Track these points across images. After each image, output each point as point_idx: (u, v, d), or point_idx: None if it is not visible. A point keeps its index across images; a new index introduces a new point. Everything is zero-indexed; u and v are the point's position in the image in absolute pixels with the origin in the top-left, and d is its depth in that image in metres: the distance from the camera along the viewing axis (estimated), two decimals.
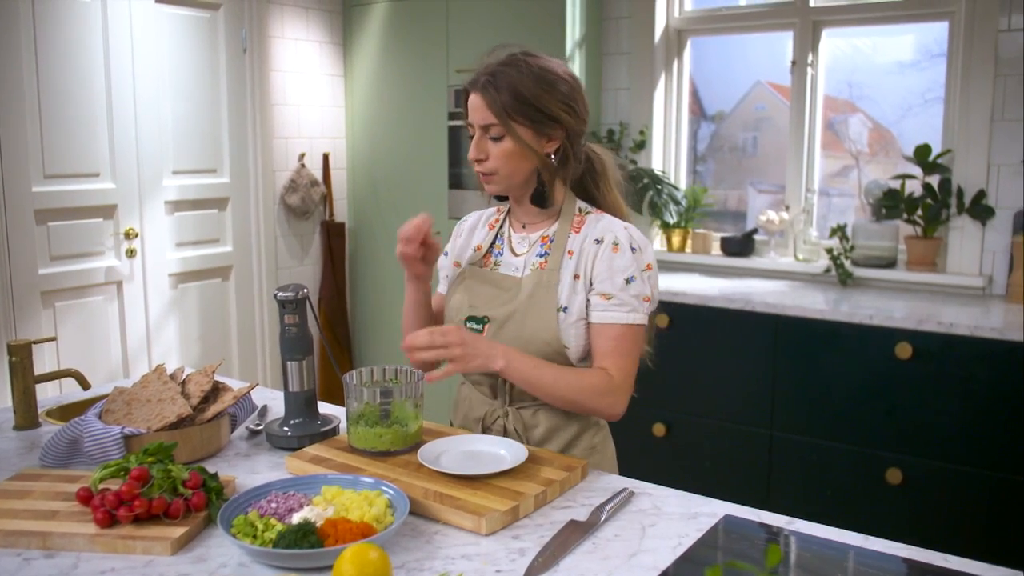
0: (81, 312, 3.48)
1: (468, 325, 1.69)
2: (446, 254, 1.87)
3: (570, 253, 1.66)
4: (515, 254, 1.73)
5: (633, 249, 1.62)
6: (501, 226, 1.80)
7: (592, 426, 1.72)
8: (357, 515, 1.25)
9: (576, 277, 1.64)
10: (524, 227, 1.75)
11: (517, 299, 1.65)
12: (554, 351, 1.62)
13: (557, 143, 1.65)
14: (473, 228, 1.85)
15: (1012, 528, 2.67)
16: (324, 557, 1.15)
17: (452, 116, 4.06)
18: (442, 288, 1.88)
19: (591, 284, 1.63)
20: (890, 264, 3.40)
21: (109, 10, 3.45)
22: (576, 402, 1.60)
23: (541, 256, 1.69)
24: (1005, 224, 3.16)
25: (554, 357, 1.62)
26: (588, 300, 1.63)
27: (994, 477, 2.68)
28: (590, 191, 1.76)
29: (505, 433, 1.68)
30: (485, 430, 1.71)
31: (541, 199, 1.69)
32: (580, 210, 1.71)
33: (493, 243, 1.78)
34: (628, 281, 1.61)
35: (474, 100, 1.62)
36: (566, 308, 1.63)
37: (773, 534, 1.31)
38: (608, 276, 1.61)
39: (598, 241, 1.64)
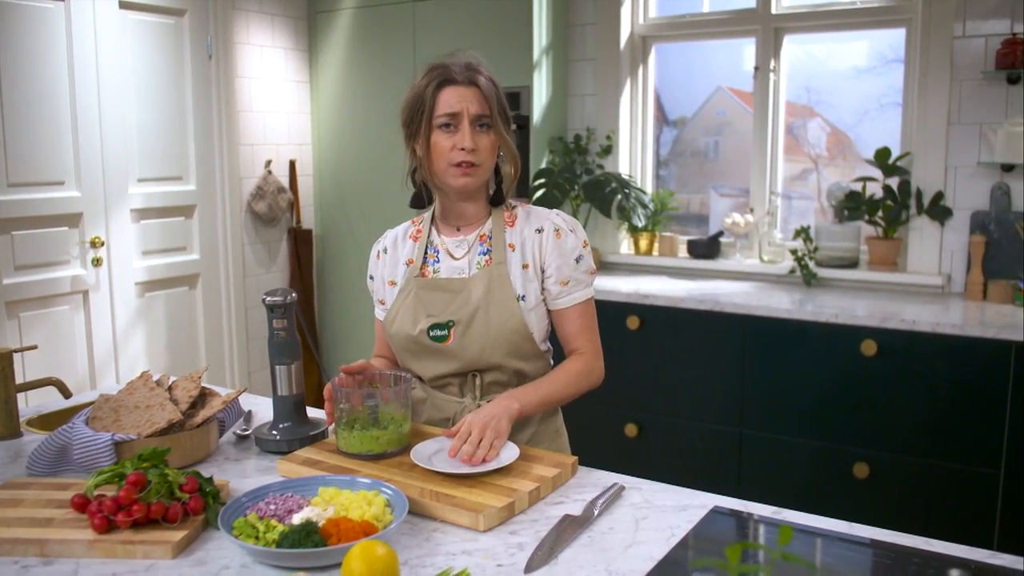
0: (47, 322, 3.43)
1: (432, 334, 1.70)
2: (371, 278, 1.88)
3: (511, 246, 1.73)
4: (454, 258, 1.76)
5: (572, 230, 1.75)
6: (428, 235, 1.80)
7: (553, 412, 1.83)
8: (357, 514, 1.26)
9: (525, 266, 1.72)
10: (459, 230, 1.78)
11: (475, 297, 1.69)
12: (522, 338, 1.69)
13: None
14: (396, 244, 1.84)
15: (975, 518, 2.75)
16: (329, 556, 1.17)
17: None
18: (379, 312, 1.86)
19: (543, 271, 1.72)
20: (852, 264, 3.49)
21: (73, 16, 3.41)
22: (577, 394, 1.74)
23: (484, 254, 1.74)
24: (963, 224, 3.26)
25: (522, 344, 1.69)
26: (546, 289, 1.73)
27: (958, 469, 2.77)
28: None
29: None
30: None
31: (499, 196, 1.78)
32: (507, 206, 1.79)
33: (426, 253, 1.79)
34: (578, 260, 1.74)
35: (464, 91, 1.66)
36: (523, 297, 1.70)
37: (762, 523, 1.35)
38: (562, 262, 1.72)
39: (539, 231, 1.73)
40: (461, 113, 1.65)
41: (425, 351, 1.72)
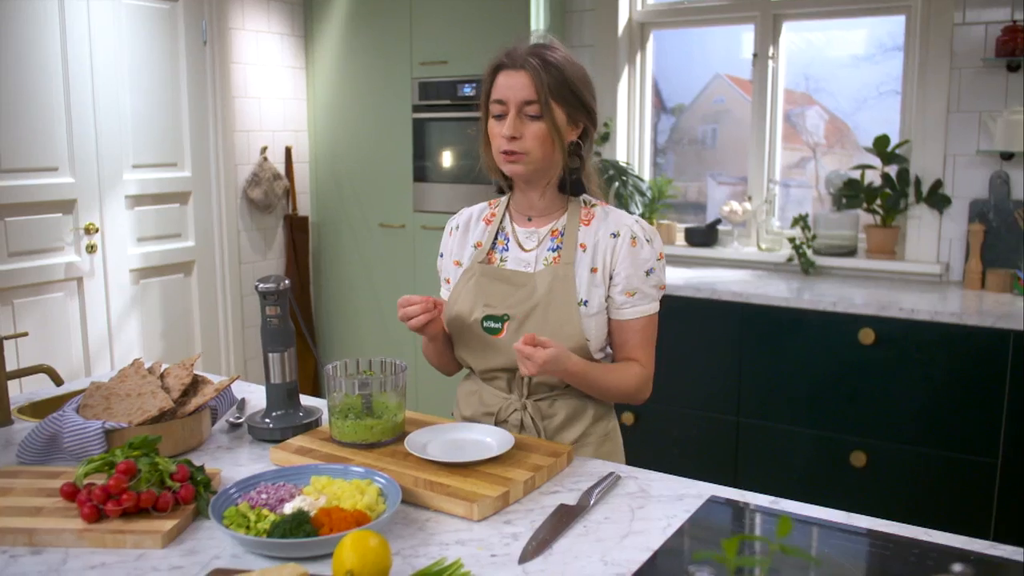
0: (41, 309, 3.41)
1: (486, 324, 1.65)
2: (442, 255, 1.83)
3: (583, 247, 1.65)
4: (523, 249, 1.70)
5: (648, 240, 1.66)
6: (501, 221, 1.76)
7: (606, 414, 1.75)
8: (350, 504, 1.25)
9: (594, 270, 1.64)
10: (530, 220, 1.72)
11: (536, 294, 1.63)
12: (577, 344, 1.61)
13: (577, 134, 1.66)
14: (468, 224, 1.79)
15: (972, 506, 2.75)
16: (320, 546, 1.15)
17: (416, 109, 4.04)
18: (444, 292, 1.82)
19: (611, 279, 1.65)
20: (850, 252, 3.47)
21: (66, 1, 3.37)
22: (614, 398, 1.70)
23: (553, 251, 1.67)
24: (961, 212, 3.25)
25: (576, 351, 1.61)
26: (611, 296, 1.65)
27: (954, 458, 2.76)
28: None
29: (522, 425, 1.68)
30: (499, 423, 1.69)
31: (578, 186, 1.70)
32: (585, 203, 1.71)
33: (495, 239, 1.74)
34: (648, 273, 1.66)
35: (514, 77, 1.59)
36: (586, 302, 1.63)
37: (759, 512, 1.34)
38: (632, 271, 1.64)
39: (614, 235, 1.65)
40: (507, 101, 1.60)
41: (477, 341, 1.67)
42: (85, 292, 3.55)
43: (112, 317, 3.67)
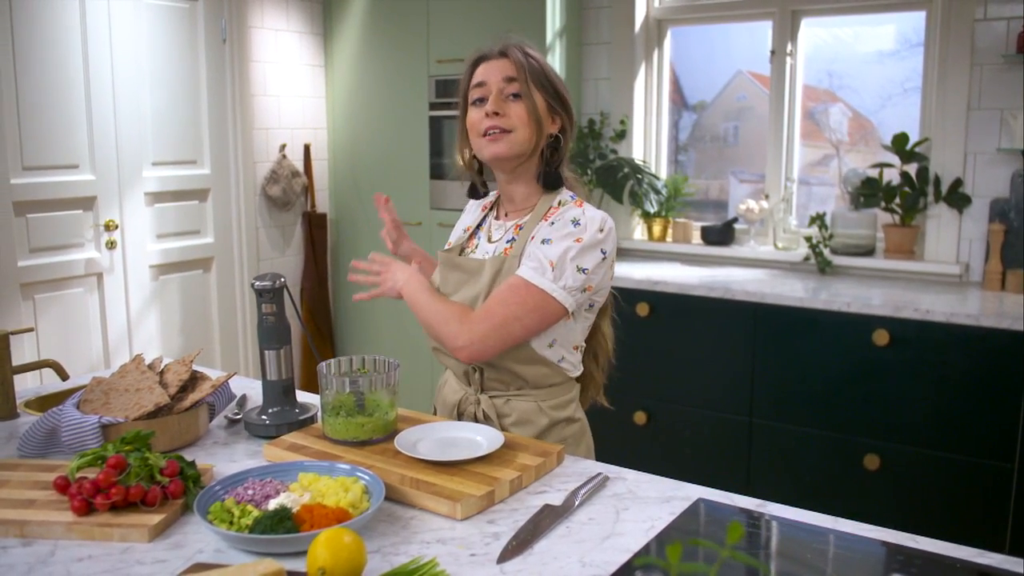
0: (61, 304, 3.46)
1: None
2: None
3: (532, 238, 1.64)
4: (490, 241, 1.74)
5: (576, 223, 1.60)
6: (490, 210, 1.81)
7: (563, 420, 1.70)
8: (333, 501, 1.26)
9: None
10: (507, 215, 1.75)
11: (480, 283, 1.65)
12: None
13: (557, 128, 1.68)
14: (472, 208, 1.87)
15: (987, 511, 2.70)
16: (299, 542, 1.16)
17: (433, 106, 4.05)
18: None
19: None
20: (868, 252, 3.43)
21: (87, 0, 3.42)
22: (430, 325, 1.64)
23: (508, 243, 1.69)
24: (981, 212, 3.19)
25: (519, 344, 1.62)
26: None
27: (969, 462, 2.72)
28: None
29: (475, 421, 1.69)
30: (460, 415, 1.73)
31: (556, 179, 1.69)
32: (560, 203, 1.69)
33: (480, 225, 1.79)
34: (544, 242, 1.60)
35: (494, 63, 1.64)
36: None
37: (748, 517, 1.32)
38: (537, 237, 1.62)
39: (551, 224, 1.64)
40: (488, 82, 1.63)
41: None
42: (105, 288, 3.61)
43: (131, 313, 3.72)
